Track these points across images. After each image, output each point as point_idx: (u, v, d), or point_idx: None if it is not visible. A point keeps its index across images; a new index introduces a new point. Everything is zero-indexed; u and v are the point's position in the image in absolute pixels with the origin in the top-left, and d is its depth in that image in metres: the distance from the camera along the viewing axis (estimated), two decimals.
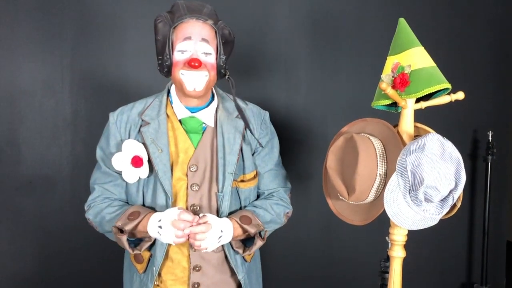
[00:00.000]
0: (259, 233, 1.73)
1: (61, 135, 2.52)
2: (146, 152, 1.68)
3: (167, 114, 1.74)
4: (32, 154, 2.50)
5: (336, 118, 2.75)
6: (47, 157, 2.51)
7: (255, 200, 1.84)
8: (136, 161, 1.67)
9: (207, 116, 1.74)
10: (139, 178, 1.70)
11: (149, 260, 1.72)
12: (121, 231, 1.62)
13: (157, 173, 1.67)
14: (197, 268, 1.72)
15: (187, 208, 1.70)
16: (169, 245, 1.71)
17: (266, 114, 1.88)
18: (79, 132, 2.52)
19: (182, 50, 1.62)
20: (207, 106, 1.76)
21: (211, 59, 1.65)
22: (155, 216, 1.60)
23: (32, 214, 2.52)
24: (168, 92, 1.79)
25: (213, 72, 1.67)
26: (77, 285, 2.59)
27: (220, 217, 1.69)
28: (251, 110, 1.84)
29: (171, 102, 1.76)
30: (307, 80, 2.77)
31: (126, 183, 1.74)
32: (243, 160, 1.77)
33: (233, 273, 1.80)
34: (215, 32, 1.67)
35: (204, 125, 1.75)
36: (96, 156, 1.78)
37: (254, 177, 1.81)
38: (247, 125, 1.76)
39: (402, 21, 1.68)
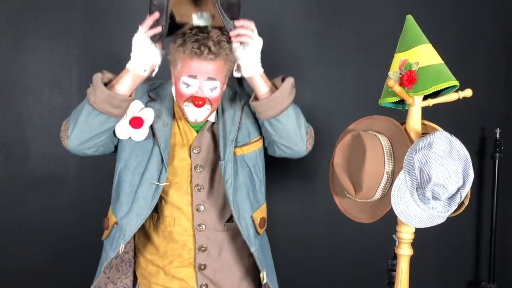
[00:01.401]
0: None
1: None
2: (152, 119, 1.70)
3: (173, 96, 1.78)
4: (39, 152, 2.51)
5: (343, 116, 2.74)
6: (55, 155, 2.52)
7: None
8: (135, 121, 1.68)
9: (213, 115, 1.79)
10: (130, 138, 1.70)
11: (112, 227, 1.72)
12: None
13: (160, 145, 1.69)
14: (202, 249, 1.75)
15: (191, 188, 1.74)
16: (171, 225, 1.74)
17: None
18: None
19: (187, 84, 1.63)
20: None
21: (216, 93, 1.66)
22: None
23: (39, 211, 2.53)
24: None
25: (216, 103, 1.70)
26: (84, 281, 2.60)
27: (226, 186, 1.69)
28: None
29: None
30: (314, 77, 2.76)
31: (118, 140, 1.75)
32: (247, 129, 1.78)
33: (241, 254, 1.81)
34: (223, 61, 1.63)
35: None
36: None
37: (258, 140, 1.80)
38: (239, 84, 1.81)
39: (409, 18, 1.68)
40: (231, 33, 1.57)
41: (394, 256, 1.75)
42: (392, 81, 1.52)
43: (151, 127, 1.71)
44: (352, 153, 1.62)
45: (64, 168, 2.53)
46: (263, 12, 2.68)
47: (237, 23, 1.57)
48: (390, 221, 1.72)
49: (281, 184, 2.75)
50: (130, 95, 1.62)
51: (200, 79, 1.61)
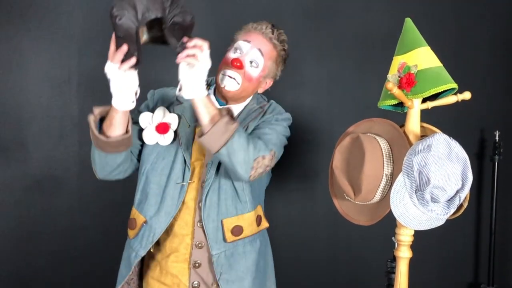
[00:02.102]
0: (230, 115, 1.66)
1: (69, 135, 2.54)
2: (177, 123, 1.77)
3: None
4: (39, 154, 2.51)
5: (342, 118, 2.75)
6: (55, 157, 2.53)
7: None
8: (161, 127, 1.76)
9: (233, 110, 1.78)
10: (157, 143, 1.77)
11: (141, 226, 1.75)
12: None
13: (182, 145, 1.75)
14: (199, 245, 1.76)
15: (198, 184, 1.77)
16: (175, 219, 1.75)
17: (286, 114, 1.92)
18: (86, 132, 2.49)
19: (236, 48, 1.79)
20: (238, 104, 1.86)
21: (254, 72, 1.79)
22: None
23: (39, 213, 2.53)
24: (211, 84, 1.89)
25: (248, 83, 1.79)
26: (85, 283, 2.61)
27: (204, 184, 1.74)
28: (273, 105, 1.92)
29: (208, 94, 1.80)
30: (313, 80, 2.77)
31: (142, 146, 1.81)
32: None
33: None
34: (276, 52, 1.85)
35: None
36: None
37: None
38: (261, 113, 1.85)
39: (408, 21, 1.68)
40: (179, 55, 1.53)
41: (394, 259, 1.75)
42: (391, 84, 1.52)
43: (175, 130, 1.78)
44: (351, 156, 1.62)
45: (64, 171, 2.54)
46: (262, 14, 2.68)
47: (189, 43, 1.54)
48: (389, 223, 1.72)
49: (281, 186, 2.75)
50: (127, 131, 1.66)
51: (252, 43, 1.77)
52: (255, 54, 1.77)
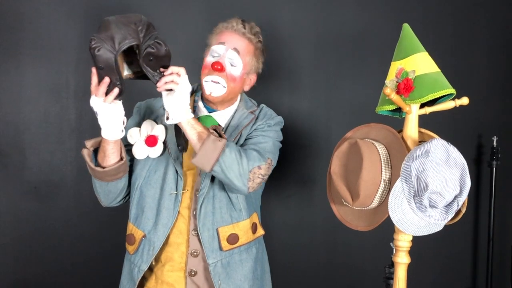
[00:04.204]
0: (216, 131, 1.67)
1: (66, 140, 2.53)
2: (164, 134, 1.77)
3: None
4: (37, 160, 2.51)
5: (340, 123, 2.75)
6: (52, 163, 2.52)
7: None
8: (150, 140, 1.75)
9: (222, 117, 1.83)
10: (148, 156, 1.77)
11: (141, 241, 1.75)
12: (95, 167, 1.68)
13: (172, 156, 1.75)
14: (195, 253, 1.75)
15: (192, 192, 1.77)
16: (171, 229, 1.74)
17: (277, 118, 1.91)
18: (84, 137, 2.50)
19: (213, 53, 1.77)
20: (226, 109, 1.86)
21: (236, 72, 1.79)
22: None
23: (37, 219, 2.52)
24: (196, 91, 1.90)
25: (234, 84, 1.79)
26: None
27: (199, 194, 1.74)
28: (264, 110, 1.91)
29: (195, 101, 1.86)
30: (311, 85, 2.77)
31: (132, 162, 1.81)
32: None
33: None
34: (253, 46, 1.84)
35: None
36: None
37: None
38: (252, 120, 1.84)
39: (406, 27, 1.68)
40: (158, 84, 1.56)
41: (392, 264, 1.74)
42: (389, 89, 1.53)
43: (164, 141, 1.78)
44: (349, 161, 1.62)
45: (61, 176, 2.53)
46: (260, 20, 2.69)
47: (166, 71, 1.56)
48: (387, 229, 1.72)
49: (278, 191, 2.75)
50: (121, 158, 1.69)
51: (227, 45, 1.75)
52: (232, 55, 1.76)
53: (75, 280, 2.58)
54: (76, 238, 2.55)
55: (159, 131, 1.78)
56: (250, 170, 1.66)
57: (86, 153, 1.67)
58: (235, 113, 1.85)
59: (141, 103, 1.90)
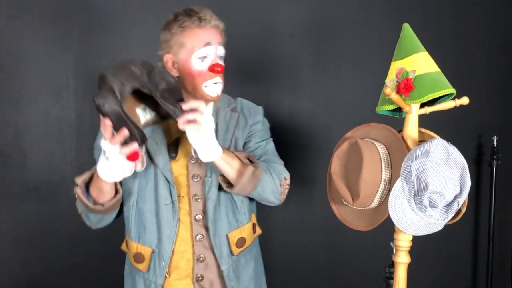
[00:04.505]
0: (250, 161, 1.69)
1: (66, 140, 2.53)
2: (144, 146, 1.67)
3: None
4: (37, 160, 2.50)
5: (340, 123, 2.75)
6: (52, 163, 2.52)
7: None
8: (132, 155, 1.60)
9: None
10: (134, 171, 1.65)
11: (151, 257, 1.72)
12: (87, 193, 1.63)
13: (158, 165, 1.70)
14: (201, 259, 1.73)
15: (189, 198, 1.73)
16: (176, 237, 1.71)
17: (259, 109, 1.90)
18: (84, 137, 2.53)
19: (202, 57, 1.66)
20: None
21: (223, 64, 1.71)
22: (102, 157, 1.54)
23: (37, 219, 2.52)
24: None
25: (223, 78, 1.73)
26: None
27: (208, 202, 1.72)
28: (245, 104, 1.88)
29: None
30: (311, 85, 2.77)
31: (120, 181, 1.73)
32: (235, 148, 1.78)
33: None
34: (223, 31, 1.73)
35: None
36: (94, 157, 1.77)
37: None
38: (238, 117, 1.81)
39: (406, 26, 1.68)
40: (179, 120, 1.52)
41: (392, 264, 1.74)
42: (389, 89, 1.52)
43: (147, 151, 1.70)
44: (350, 161, 1.62)
45: (60, 176, 2.53)
46: (260, 19, 2.69)
47: (185, 106, 1.52)
48: (387, 228, 1.72)
49: None
50: (117, 192, 1.65)
51: (214, 44, 1.66)
52: (220, 51, 1.69)
53: (75, 280, 2.58)
54: (76, 238, 2.55)
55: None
56: (281, 185, 1.73)
57: (81, 192, 1.60)
58: (217, 113, 1.79)
59: None
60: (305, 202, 2.78)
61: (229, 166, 1.62)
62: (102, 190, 1.59)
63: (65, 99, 2.52)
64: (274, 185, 1.71)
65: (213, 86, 1.68)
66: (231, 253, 1.76)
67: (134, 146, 1.47)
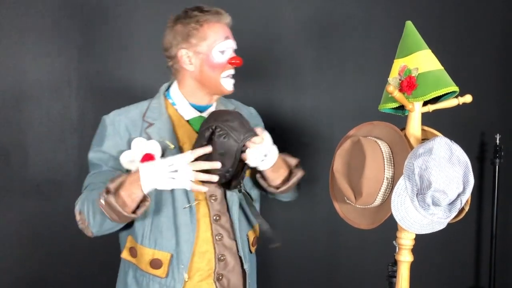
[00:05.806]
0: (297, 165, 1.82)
1: (68, 139, 2.53)
2: (160, 150, 1.67)
3: (169, 115, 1.75)
4: (39, 158, 2.51)
5: (342, 121, 2.74)
6: (54, 161, 2.52)
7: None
8: (146, 159, 1.63)
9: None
10: None
11: (170, 262, 1.69)
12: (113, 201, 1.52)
13: None
14: (222, 258, 1.75)
15: (206, 199, 1.73)
16: (196, 239, 1.70)
17: (251, 109, 1.97)
18: (86, 136, 2.52)
19: (222, 50, 1.71)
20: (212, 105, 1.82)
21: None
22: (153, 164, 1.51)
23: (39, 218, 2.52)
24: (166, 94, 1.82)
25: None
26: (84, 287, 2.60)
27: (232, 202, 1.77)
28: (240, 106, 1.93)
29: (173, 104, 1.78)
30: (313, 83, 2.77)
31: None
32: None
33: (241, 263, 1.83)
34: None
35: None
36: (89, 161, 1.75)
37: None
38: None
39: (409, 24, 1.68)
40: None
41: (395, 263, 1.74)
42: (392, 87, 1.52)
43: (162, 154, 1.68)
44: (352, 159, 1.61)
45: (63, 174, 2.53)
46: (263, 17, 2.69)
47: (258, 132, 1.61)
48: (390, 227, 1.71)
49: None
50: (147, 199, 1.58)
51: (231, 38, 1.73)
52: (235, 45, 1.77)
53: (78, 277, 2.58)
54: (79, 237, 2.54)
55: (152, 148, 1.66)
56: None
57: (113, 200, 1.48)
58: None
59: (110, 118, 1.75)
60: (308, 200, 2.78)
61: (277, 174, 1.74)
62: (135, 199, 1.52)
63: (67, 98, 2.52)
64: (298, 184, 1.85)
65: (229, 79, 1.73)
66: (250, 251, 1.84)
67: (213, 178, 1.53)
